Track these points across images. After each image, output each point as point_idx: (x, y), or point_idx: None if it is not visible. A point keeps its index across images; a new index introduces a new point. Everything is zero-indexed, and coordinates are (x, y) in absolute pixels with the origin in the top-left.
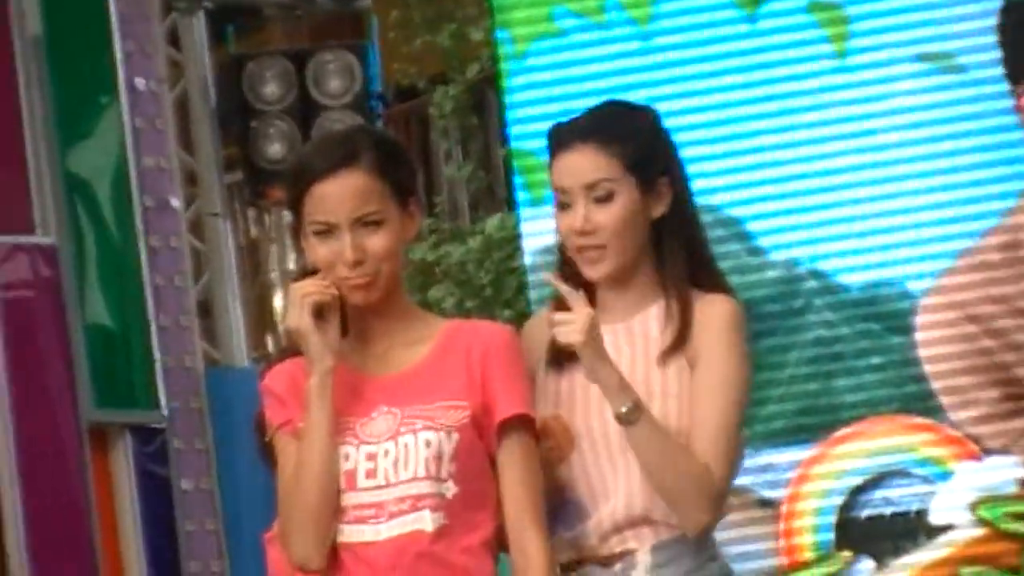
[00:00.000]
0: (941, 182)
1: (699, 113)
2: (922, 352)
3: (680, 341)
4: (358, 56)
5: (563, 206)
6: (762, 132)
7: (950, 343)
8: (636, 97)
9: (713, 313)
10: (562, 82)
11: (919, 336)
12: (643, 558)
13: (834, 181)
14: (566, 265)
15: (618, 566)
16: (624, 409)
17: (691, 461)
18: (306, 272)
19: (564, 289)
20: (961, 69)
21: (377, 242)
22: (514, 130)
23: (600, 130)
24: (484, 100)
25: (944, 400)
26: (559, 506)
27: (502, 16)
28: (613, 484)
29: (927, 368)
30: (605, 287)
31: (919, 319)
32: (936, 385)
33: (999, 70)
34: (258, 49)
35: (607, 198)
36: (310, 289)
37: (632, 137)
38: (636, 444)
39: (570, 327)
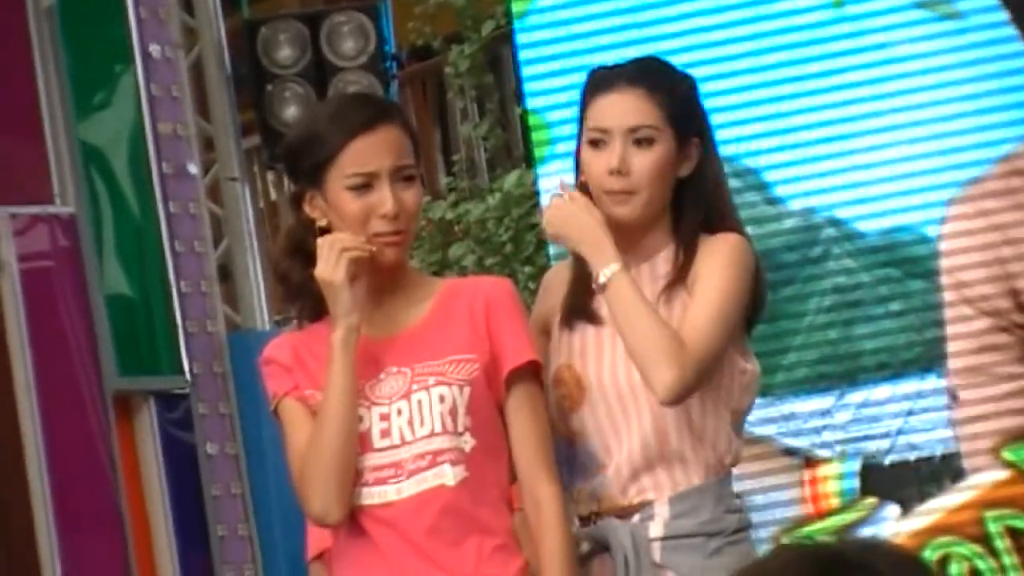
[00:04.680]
0: (945, 129)
1: (712, 64)
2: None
3: (681, 275)
4: (371, 17)
5: (597, 145)
6: (771, 83)
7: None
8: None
9: (715, 245)
10: (575, 38)
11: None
12: (660, 509)
13: (846, 129)
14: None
15: (636, 517)
16: (604, 275)
17: (661, 326)
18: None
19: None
20: (959, 16)
21: (412, 197)
22: (528, 87)
23: (648, 77)
24: (499, 58)
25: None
26: (575, 457)
27: None
28: (626, 430)
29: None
30: (620, 234)
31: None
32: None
33: (997, 15)
34: (271, 13)
35: (647, 143)
36: (349, 244)
37: (677, 92)
38: (610, 305)
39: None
